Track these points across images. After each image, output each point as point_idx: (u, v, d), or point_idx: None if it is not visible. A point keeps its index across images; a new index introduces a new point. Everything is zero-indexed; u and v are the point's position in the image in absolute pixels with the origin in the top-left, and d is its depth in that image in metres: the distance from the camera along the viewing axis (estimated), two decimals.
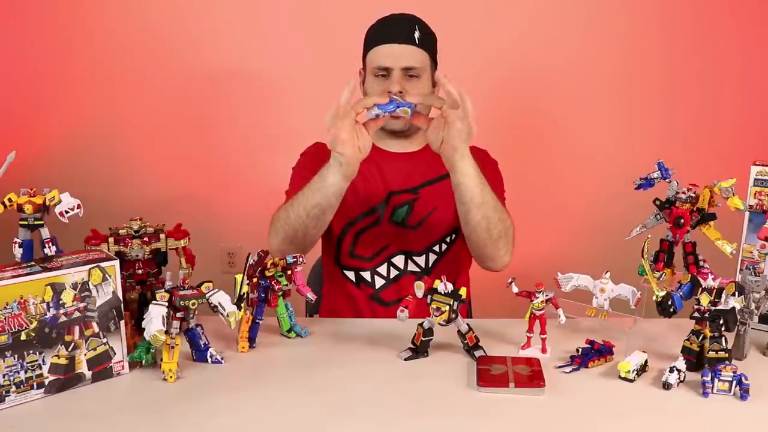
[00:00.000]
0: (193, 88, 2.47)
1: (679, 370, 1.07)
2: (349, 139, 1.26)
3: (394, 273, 1.54)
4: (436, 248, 1.54)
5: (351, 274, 1.55)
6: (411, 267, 1.54)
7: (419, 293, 1.15)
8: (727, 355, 1.07)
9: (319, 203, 1.33)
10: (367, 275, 1.54)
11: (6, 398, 1.00)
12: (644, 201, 1.32)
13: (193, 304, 1.10)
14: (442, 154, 1.30)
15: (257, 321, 1.23)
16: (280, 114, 2.45)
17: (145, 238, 1.23)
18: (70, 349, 1.05)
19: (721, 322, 1.07)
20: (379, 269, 1.54)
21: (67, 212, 1.17)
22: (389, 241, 1.53)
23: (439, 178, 1.54)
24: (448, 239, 1.55)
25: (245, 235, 2.52)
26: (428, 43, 1.50)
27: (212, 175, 2.54)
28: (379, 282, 1.54)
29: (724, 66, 2.38)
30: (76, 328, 1.05)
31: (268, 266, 1.24)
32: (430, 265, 1.54)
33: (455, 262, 1.58)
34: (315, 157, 1.58)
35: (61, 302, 1.03)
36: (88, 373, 1.07)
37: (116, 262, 1.09)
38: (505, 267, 1.45)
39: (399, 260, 1.54)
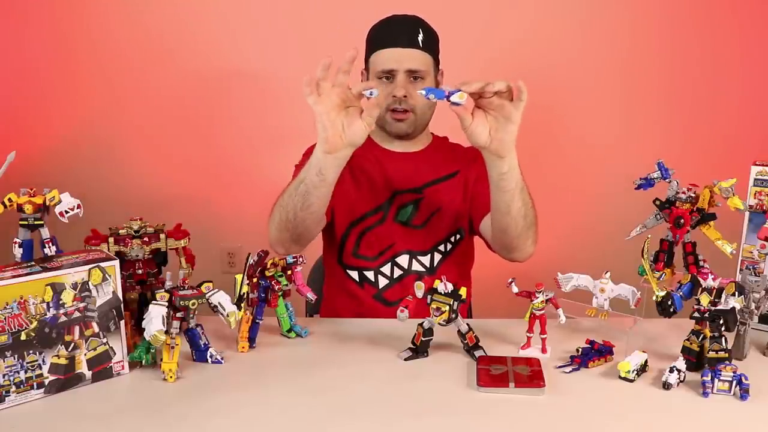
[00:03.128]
0: (194, 87, 2.47)
1: (679, 370, 1.07)
2: (337, 116, 1.20)
3: (398, 273, 1.53)
4: (441, 248, 1.54)
5: (354, 274, 1.55)
6: (416, 267, 1.53)
7: (419, 293, 1.15)
8: (727, 355, 1.07)
9: (304, 179, 1.29)
10: (370, 275, 1.54)
11: (6, 398, 1.00)
12: (644, 201, 1.32)
13: (193, 304, 1.10)
14: (488, 148, 1.21)
15: (257, 321, 1.23)
16: (281, 113, 2.45)
17: (145, 238, 1.23)
18: (70, 349, 1.05)
19: (721, 322, 1.07)
20: (383, 269, 1.53)
21: (67, 212, 1.17)
22: (393, 240, 1.53)
23: (443, 178, 1.54)
24: (452, 239, 1.55)
25: (245, 235, 2.52)
26: (431, 44, 1.50)
27: (212, 175, 2.54)
28: (382, 282, 1.54)
29: (725, 66, 2.38)
30: (76, 328, 1.05)
31: (268, 266, 1.24)
32: (435, 265, 1.54)
33: (460, 261, 1.58)
34: None
35: (61, 302, 1.03)
36: (88, 373, 1.07)
37: (116, 262, 1.09)
38: (529, 257, 1.41)
39: (403, 260, 1.53)
